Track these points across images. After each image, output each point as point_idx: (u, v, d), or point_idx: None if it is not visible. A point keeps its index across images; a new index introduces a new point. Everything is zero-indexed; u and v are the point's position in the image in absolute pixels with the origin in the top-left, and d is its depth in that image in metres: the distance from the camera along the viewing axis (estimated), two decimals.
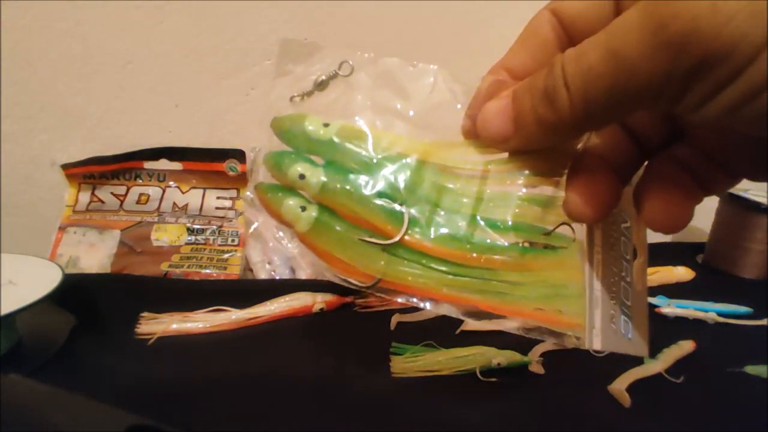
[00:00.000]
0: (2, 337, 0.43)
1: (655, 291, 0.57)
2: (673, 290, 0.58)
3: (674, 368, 0.43)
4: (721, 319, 0.52)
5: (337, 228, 0.24)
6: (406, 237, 0.24)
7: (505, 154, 0.23)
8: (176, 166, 0.64)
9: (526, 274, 0.24)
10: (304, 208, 0.25)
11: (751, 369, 0.44)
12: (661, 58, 0.15)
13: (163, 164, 0.64)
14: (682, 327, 0.52)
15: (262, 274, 0.61)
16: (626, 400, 0.39)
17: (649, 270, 0.62)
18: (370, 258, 0.24)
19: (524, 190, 0.23)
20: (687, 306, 0.54)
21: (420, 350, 0.45)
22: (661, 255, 0.71)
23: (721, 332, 0.51)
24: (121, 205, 0.63)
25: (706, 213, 0.72)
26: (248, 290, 0.54)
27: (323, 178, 0.24)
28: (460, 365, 0.43)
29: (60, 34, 0.60)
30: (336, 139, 0.24)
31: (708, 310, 0.53)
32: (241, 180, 0.64)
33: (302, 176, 0.24)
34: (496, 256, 0.23)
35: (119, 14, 0.60)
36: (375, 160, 0.24)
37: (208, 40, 0.62)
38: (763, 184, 0.64)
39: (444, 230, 0.24)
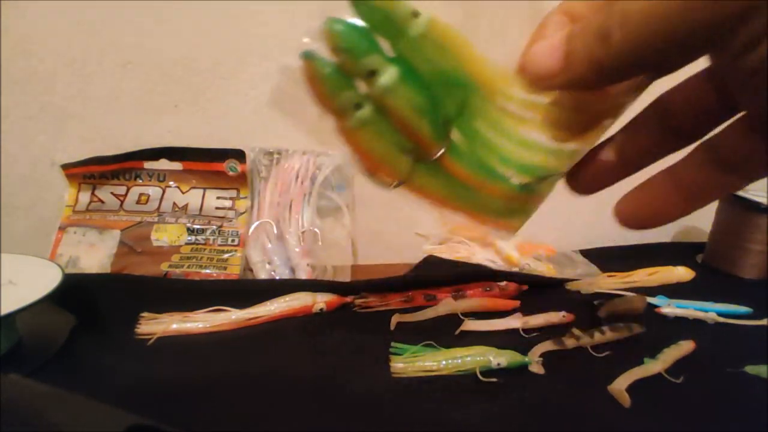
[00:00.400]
0: (2, 337, 0.43)
1: (655, 291, 0.58)
2: (673, 290, 0.58)
3: (674, 368, 0.43)
4: (721, 319, 0.52)
5: (383, 130, 0.23)
6: (446, 156, 0.24)
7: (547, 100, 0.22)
8: (176, 166, 0.64)
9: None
10: (359, 106, 0.23)
11: (751, 369, 0.44)
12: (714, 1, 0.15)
13: (163, 164, 0.64)
14: (682, 327, 0.52)
15: (262, 274, 0.61)
16: (626, 400, 0.39)
17: (649, 270, 0.62)
18: (403, 165, 0.24)
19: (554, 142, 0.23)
20: (687, 306, 0.54)
21: (420, 350, 0.45)
22: (661, 255, 0.71)
23: (721, 332, 0.51)
24: (121, 205, 0.63)
25: (706, 213, 0.72)
26: (248, 290, 0.54)
27: (394, 80, 0.22)
28: (460, 365, 0.43)
29: (60, 34, 0.60)
30: (421, 37, 0.22)
31: (708, 310, 0.53)
32: (241, 180, 0.64)
33: (372, 72, 0.22)
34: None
35: (119, 14, 0.60)
36: (448, 74, 0.22)
37: (208, 40, 0.62)
38: (764, 185, 0.64)
39: (478, 161, 0.24)
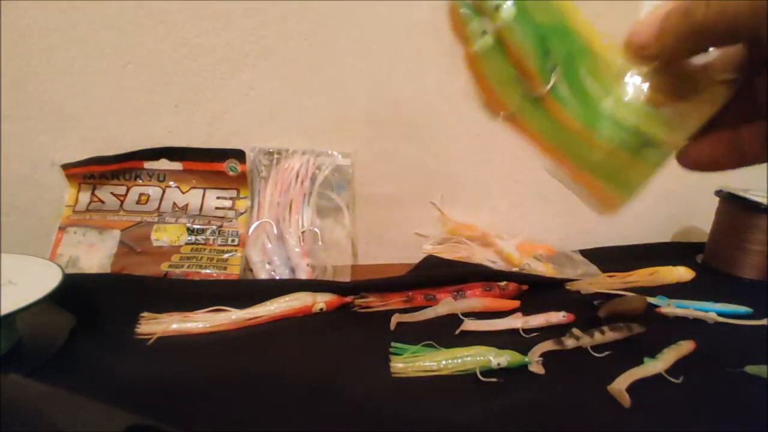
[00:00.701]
0: (2, 337, 0.43)
1: (655, 291, 0.57)
2: (673, 290, 0.58)
3: (674, 368, 0.43)
4: (721, 319, 0.52)
5: (501, 62, 0.27)
6: (549, 97, 0.27)
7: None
8: (176, 166, 0.64)
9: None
10: (484, 33, 0.27)
11: (751, 369, 0.44)
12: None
13: (163, 164, 0.64)
14: (682, 327, 0.52)
15: (262, 274, 0.61)
16: (626, 400, 0.39)
17: (649, 270, 0.62)
18: (513, 97, 0.28)
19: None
20: (687, 306, 0.54)
21: (420, 350, 0.45)
22: (661, 255, 0.71)
23: (721, 332, 0.51)
24: (121, 205, 0.63)
25: (706, 213, 0.72)
26: (248, 290, 0.54)
27: (512, 14, 0.26)
28: (460, 365, 0.43)
29: (60, 34, 0.60)
30: None
31: (708, 310, 0.53)
32: (241, 180, 0.64)
33: (497, 7, 0.26)
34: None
35: (119, 14, 0.60)
36: (558, 24, 0.26)
37: (208, 40, 0.62)
38: (764, 185, 0.64)
39: (578, 106, 0.27)
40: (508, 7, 0.26)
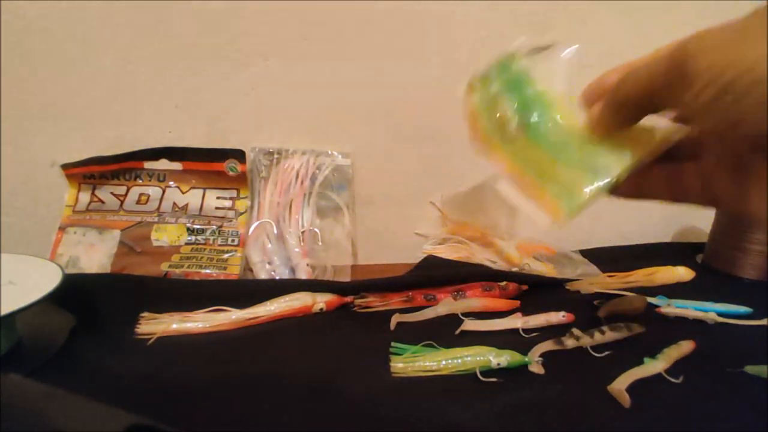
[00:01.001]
0: (2, 337, 0.43)
1: (655, 291, 0.57)
2: (673, 290, 0.58)
3: (674, 368, 0.43)
4: (721, 319, 0.52)
5: (488, 115, 0.35)
6: (521, 133, 0.34)
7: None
8: (176, 166, 0.64)
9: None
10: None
11: (751, 369, 0.44)
12: (669, 71, 0.27)
13: (163, 164, 0.64)
14: (682, 327, 0.52)
15: (262, 274, 0.61)
16: (626, 400, 0.39)
17: (649, 270, 0.62)
18: (494, 136, 0.35)
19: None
20: (687, 306, 0.54)
21: (420, 350, 0.45)
22: (661, 255, 0.71)
23: (721, 332, 0.51)
24: (121, 205, 0.63)
25: (706, 213, 0.72)
26: (248, 290, 0.54)
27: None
28: (460, 365, 0.43)
29: (60, 34, 0.60)
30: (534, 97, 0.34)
31: (708, 310, 0.53)
32: (241, 180, 0.64)
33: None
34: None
35: (119, 14, 0.60)
36: (534, 95, 0.34)
37: (208, 40, 0.62)
38: None
39: (544, 142, 0.34)
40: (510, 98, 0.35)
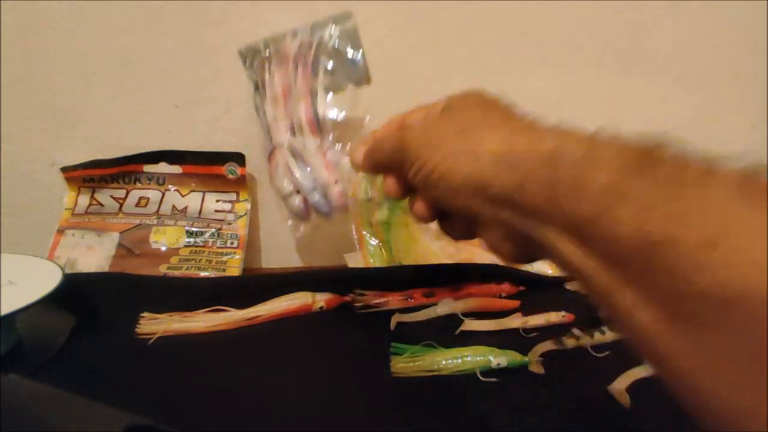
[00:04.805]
0: (2, 337, 0.43)
1: None
2: None
3: None
4: None
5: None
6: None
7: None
8: (176, 169, 0.64)
9: None
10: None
11: None
12: (397, 151, 0.34)
13: (163, 167, 0.64)
14: None
15: (294, 204, 0.49)
16: (626, 400, 0.39)
17: None
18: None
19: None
20: None
21: (420, 350, 0.45)
22: None
23: None
24: (120, 208, 0.63)
25: None
26: (248, 285, 0.54)
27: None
28: (460, 365, 0.43)
29: (60, 34, 0.60)
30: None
31: None
32: (241, 183, 0.64)
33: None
34: None
35: (119, 14, 0.60)
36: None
37: (208, 40, 0.62)
38: None
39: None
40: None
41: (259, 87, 0.52)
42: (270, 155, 0.50)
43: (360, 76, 0.51)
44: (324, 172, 0.48)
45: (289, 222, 0.52)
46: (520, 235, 0.28)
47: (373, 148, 0.37)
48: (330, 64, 0.51)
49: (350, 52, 0.51)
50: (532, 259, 0.31)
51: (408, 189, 0.37)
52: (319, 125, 0.50)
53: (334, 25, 0.51)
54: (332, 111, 0.50)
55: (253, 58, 0.52)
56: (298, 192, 0.49)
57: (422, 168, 0.31)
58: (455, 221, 0.35)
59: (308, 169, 0.49)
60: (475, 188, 0.28)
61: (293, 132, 0.50)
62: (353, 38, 0.51)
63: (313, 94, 0.50)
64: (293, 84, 0.50)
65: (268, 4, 0.62)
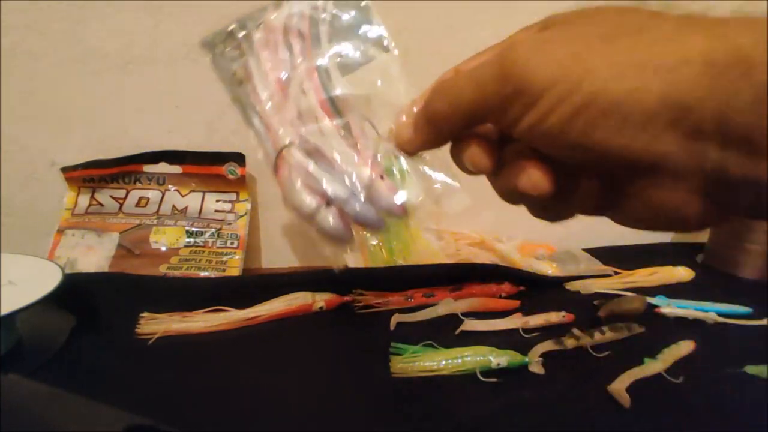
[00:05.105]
0: (2, 337, 0.43)
1: (655, 291, 0.58)
2: (673, 290, 0.58)
3: (674, 368, 0.43)
4: (721, 319, 0.52)
5: None
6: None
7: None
8: (176, 169, 0.64)
9: None
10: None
11: (751, 369, 0.44)
12: (498, 84, 0.23)
13: (163, 167, 0.64)
14: (682, 327, 0.52)
15: (327, 223, 0.32)
16: (626, 400, 0.39)
17: (649, 270, 0.62)
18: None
19: None
20: (687, 306, 0.54)
21: (420, 350, 0.45)
22: (661, 255, 0.71)
23: (721, 332, 0.51)
24: (120, 208, 0.63)
25: None
26: (248, 286, 0.54)
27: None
28: (460, 365, 0.43)
29: (60, 34, 0.60)
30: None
31: (708, 310, 0.53)
32: (241, 183, 0.64)
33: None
34: None
35: (119, 14, 0.60)
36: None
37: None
38: None
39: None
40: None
41: (242, 82, 0.38)
42: (276, 165, 0.34)
43: (376, 43, 0.36)
44: (361, 168, 0.32)
45: (327, 251, 0.36)
46: (720, 184, 0.21)
47: (446, 85, 0.25)
48: (331, 36, 0.36)
49: (355, 18, 0.37)
50: (724, 218, 0.23)
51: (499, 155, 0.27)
52: (335, 107, 0.34)
53: None
54: (348, 87, 0.35)
55: (224, 46, 0.40)
56: (328, 204, 0.32)
57: (563, 99, 0.21)
58: (589, 186, 0.26)
59: (335, 169, 0.33)
60: (673, 115, 0.20)
61: (302, 124, 0.35)
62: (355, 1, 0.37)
63: (320, 71, 0.35)
64: (289, 65, 0.36)
65: (267, 5, 0.62)
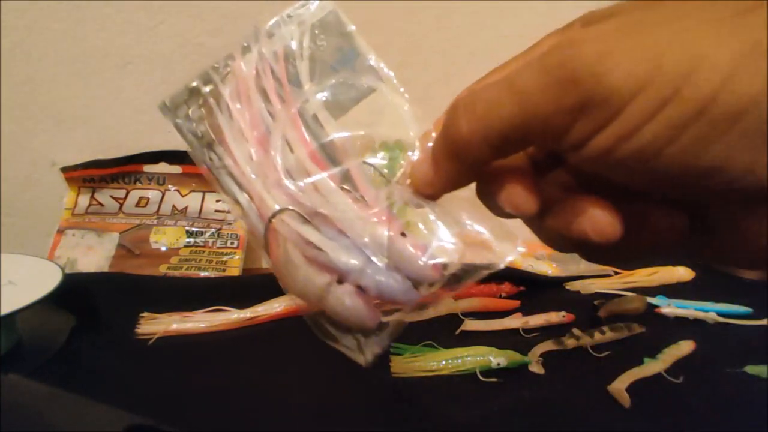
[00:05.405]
0: (2, 337, 0.43)
1: (655, 291, 0.57)
2: (673, 290, 0.58)
3: (674, 368, 0.43)
4: (721, 319, 0.52)
5: None
6: None
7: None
8: (176, 169, 0.64)
9: None
10: None
11: (751, 369, 0.44)
12: (553, 92, 0.17)
13: (163, 167, 0.64)
14: (682, 327, 0.52)
15: (344, 305, 0.27)
16: (626, 400, 0.39)
17: (649, 270, 0.62)
18: None
19: None
20: (687, 306, 0.54)
21: (420, 350, 0.45)
22: None
23: (721, 332, 0.51)
24: (120, 208, 0.63)
25: None
26: (248, 286, 0.54)
27: None
28: (460, 365, 0.43)
29: (60, 34, 0.60)
30: None
31: (708, 310, 0.53)
32: None
33: None
34: None
35: (119, 14, 0.60)
36: None
37: (208, 40, 0.62)
38: None
39: None
40: None
41: (213, 143, 0.31)
42: (266, 242, 0.27)
43: (367, 71, 0.30)
44: (375, 226, 0.26)
45: (346, 341, 0.31)
46: None
47: (467, 121, 0.19)
48: (312, 73, 0.31)
49: (339, 48, 0.31)
50: None
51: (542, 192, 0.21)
52: (329, 156, 0.28)
53: (298, 22, 0.32)
54: (341, 130, 0.29)
55: (187, 107, 0.34)
56: (340, 280, 0.26)
57: (662, 105, 0.15)
58: (669, 223, 0.20)
59: (342, 233, 0.26)
60: None
61: (292, 184, 0.28)
62: (336, 26, 0.31)
63: (305, 116, 0.29)
64: (268, 116, 0.29)
65: (269, 4, 0.62)
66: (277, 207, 0.26)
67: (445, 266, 0.25)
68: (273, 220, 0.26)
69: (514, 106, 0.18)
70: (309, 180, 0.27)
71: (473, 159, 0.20)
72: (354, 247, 0.25)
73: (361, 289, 0.25)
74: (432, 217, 0.25)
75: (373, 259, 0.25)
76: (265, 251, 0.27)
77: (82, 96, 0.62)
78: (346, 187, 0.27)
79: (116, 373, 0.42)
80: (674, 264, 0.64)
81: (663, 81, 0.15)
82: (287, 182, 0.27)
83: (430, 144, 0.23)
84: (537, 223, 0.22)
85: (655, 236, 0.20)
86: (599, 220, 0.19)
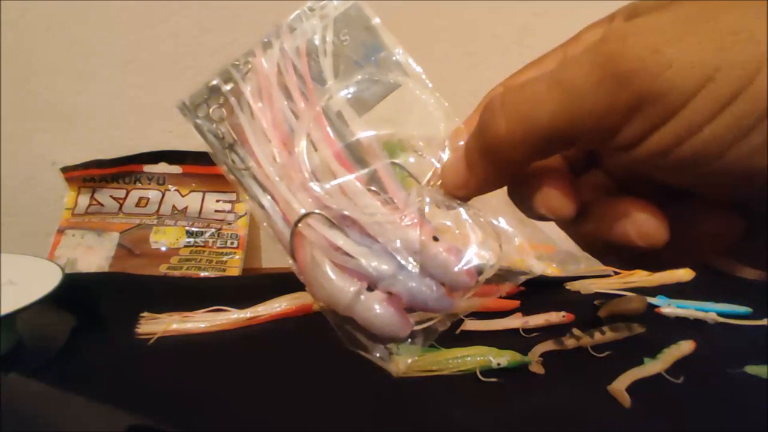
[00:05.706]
0: (2, 337, 0.43)
1: (655, 291, 0.58)
2: (673, 290, 0.58)
3: (674, 368, 0.43)
4: (721, 319, 0.52)
5: None
6: None
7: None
8: (176, 169, 0.64)
9: None
10: None
11: (751, 369, 0.44)
12: (605, 89, 0.16)
13: (163, 167, 0.64)
14: (682, 327, 0.52)
15: (374, 313, 0.25)
16: (626, 400, 0.39)
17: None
18: None
19: None
20: (687, 306, 0.54)
21: (420, 350, 0.45)
22: None
23: (721, 332, 0.51)
24: (120, 208, 0.63)
25: None
26: (248, 286, 0.54)
27: None
28: (460, 365, 0.43)
29: (60, 34, 0.60)
30: None
31: (708, 310, 0.53)
32: None
33: None
34: None
35: (119, 14, 0.60)
36: None
37: (208, 40, 0.62)
38: None
39: None
40: None
41: (233, 146, 0.30)
42: (292, 247, 0.27)
43: (394, 67, 0.29)
44: (406, 230, 0.25)
45: (376, 351, 0.28)
46: None
47: (505, 120, 0.18)
48: (337, 69, 0.29)
49: (364, 42, 0.29)
50: None
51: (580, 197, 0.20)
52: (356, 156, 0.27)
53: (320, 15, 0.31)
54: (368, 129, 0.28)
55: (207, 106, 0.31)
56: (370, 289, 0.25)
57: (729, 100, 0.14)
58: (719, 225, 0.19)
59: (372, 238, 0.25)
60: None
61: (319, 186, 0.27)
62: (359, 20, 0.30)
63: (330, 114, 0.28)
64: (292, 115, 0.28)
65: (269, 4, 0.62)
66: (303, 211, 0.26)
67: (480, 271, 0.24)
68: (299, 225, 0.26)
69: (561, 105, 0.17)
70: (335, 182, 0.26)
71: (511, 160, 0.19)
72: (384, 252, 0.24)
73: (391, 296, 0.24)
74: (466, 219, 0.24)
75: (406, 264, 0.24)
76: (291, 257, 0.27)
77: (83, 96, 0.62)
78: (373, 188, 0.26)
79: (116, 373, 0.42)
80: None
81: (729, 75, 0.14)
82: (313, 184, 0.26)
83: (462, 143, 0.22)
84: (573, 226, 0.22)
85: (707, 241, 0.19)
86: (644, 224, 0.18)
